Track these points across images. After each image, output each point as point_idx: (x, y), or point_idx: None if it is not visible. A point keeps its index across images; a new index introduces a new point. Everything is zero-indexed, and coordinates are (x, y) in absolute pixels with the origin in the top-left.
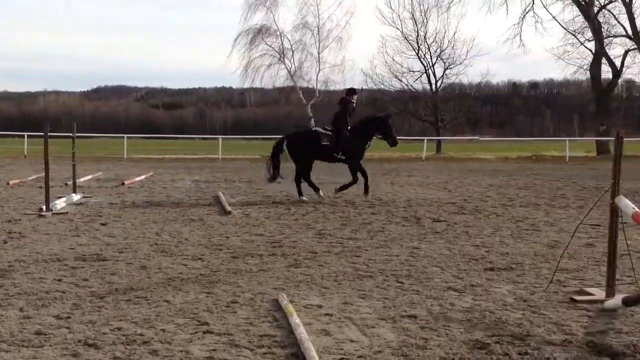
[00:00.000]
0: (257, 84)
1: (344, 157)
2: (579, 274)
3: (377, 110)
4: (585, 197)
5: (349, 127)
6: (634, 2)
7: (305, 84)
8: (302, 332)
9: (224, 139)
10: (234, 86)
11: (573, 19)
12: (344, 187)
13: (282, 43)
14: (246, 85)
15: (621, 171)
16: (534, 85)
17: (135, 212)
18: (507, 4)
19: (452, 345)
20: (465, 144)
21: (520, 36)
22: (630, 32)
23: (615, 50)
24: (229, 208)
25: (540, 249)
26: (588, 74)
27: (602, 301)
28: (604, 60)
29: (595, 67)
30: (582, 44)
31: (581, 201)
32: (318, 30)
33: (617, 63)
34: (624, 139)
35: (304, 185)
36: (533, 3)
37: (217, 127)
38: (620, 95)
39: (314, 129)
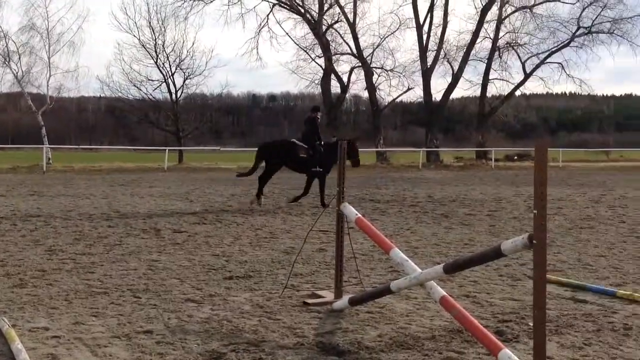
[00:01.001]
0: None
1: (320, 170)
2: (312, 278)
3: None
4: (319, 204)
5: (322, 143)
6: (357, 22)
7: (35, 90)
8: (24, 358)
9: None
10: None
11: (304, 35)
12: (296, 199)
13: (6, 45)
14: None
15: (345, 179)
16: (272, 97)
17: None
18: (243, 19)
19: (189, 358)
20: (207, 154)
21: (257, 50)
22: (354, 50)
23: (342, 66)
24: None
25: (277, 255)
26: (319, 88)
27: (331, 303)
28: (333, 76)
29: (325, 82)
30: (313, 59)
31: (315, 208)
32: (47, 34)
33: (345, 78)
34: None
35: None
36: (267, 19)
37: None
38: (350, 109)
39: (291, 140)
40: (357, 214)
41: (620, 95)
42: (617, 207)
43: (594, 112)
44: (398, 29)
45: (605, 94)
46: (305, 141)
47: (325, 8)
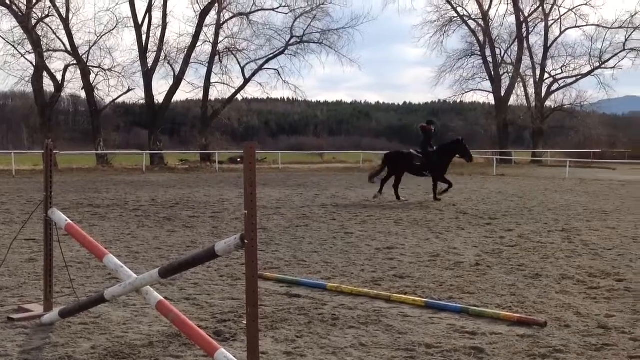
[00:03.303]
0: None
1: (428, 174)
2: (19, 291)
3: None
4: (31, 211)
5: (436, 148)
6: (71, 18)
7: None
8: None
9: None
10: None
11: (12, 29)
12: (443, 192)
13: None
14: None
15: (59, 184)
16: None
17: None
18: None
19: None
20: None
21: None
22: (69, 47)
23: (56, 64)
24: None
25: None
26: (31, 87)
27: (40, 316)
28: (45, 73)
29: (37, 79)
30: (22, 55)
31: (26, 215)
32: None
33: (59, 77)
34: (68, 152)
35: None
36: None
37: None
38: (68, 109)
39: (410, 151)
40: (67, 220)
41: (333, 101)
42: (329, 205)
43: (309, 117)
44: (115, 27)
45: (318, 100)
46: (422, 149)
47: (34, 1)
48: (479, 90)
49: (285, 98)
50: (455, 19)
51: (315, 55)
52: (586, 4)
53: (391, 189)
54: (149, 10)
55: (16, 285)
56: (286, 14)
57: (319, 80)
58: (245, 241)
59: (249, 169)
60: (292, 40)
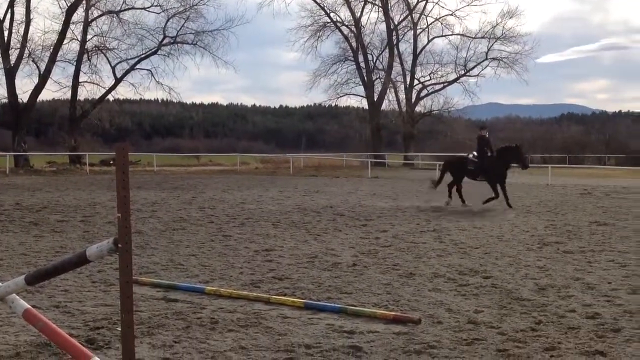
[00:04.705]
0: None
1: (483, 179)
2: None
3: None
4: None
5: (491, 154)
6: None
7: None
8: None
9: None
10: None
11: None
12: (488, 200)
13: None
14: None
15: None
16: None
17: None
18: None
19: None
20: None
21: None
22: None
23: None
24: None
25: None
26: None
27: None
28: None
29: None
30: None
31: None
32: None
33: None
34: None
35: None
36: None
37: None
38: None
39: (466, 156)
40: None
41: (208, 103)
42: (206, 208)
43: (184, 119)
44: None
45: (194, 102)
46: (479, 154)
47: None
48: (353, 94)
49: (159, 99)
50: (328, 24)
51: (189, 57)
52: (452, 14)
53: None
54: (10, 5)
55: None
56: (158, 13)
57: (194, 82)
58: (119, 245)
59: (122, 170)
60: (165, 41)
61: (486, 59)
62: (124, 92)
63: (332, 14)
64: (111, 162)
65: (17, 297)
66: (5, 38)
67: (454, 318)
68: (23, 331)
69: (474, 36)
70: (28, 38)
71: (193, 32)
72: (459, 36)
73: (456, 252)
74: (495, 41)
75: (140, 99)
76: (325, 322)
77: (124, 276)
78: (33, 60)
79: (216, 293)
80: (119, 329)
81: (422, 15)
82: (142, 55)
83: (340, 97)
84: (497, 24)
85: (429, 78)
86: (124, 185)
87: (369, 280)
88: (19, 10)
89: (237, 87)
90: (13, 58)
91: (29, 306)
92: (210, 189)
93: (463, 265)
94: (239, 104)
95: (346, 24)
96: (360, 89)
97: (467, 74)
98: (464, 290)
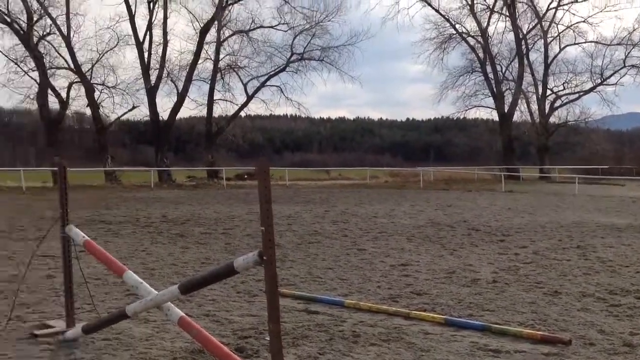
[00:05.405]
0: None
1: None
2: (40, 307)
3: None
4: (44, 227)
5: None
6: (72, 36)
7: None
8: None
9: None
10: None
11: (13, 47)
12: None
13: None
14: None
15: (69, 201)
16: None
17: None
18: None
19: None
20: None
21: None
22: (72, 64)
23: (60, 81)
24: None
25: None
26: (36, 104)
27: (63, 332)
28: (50, 91)
29: (41, 97)
30: (26, 73)
31: (40, 232)
32: None
33: (64, 94)
34: (75, 169)
35: None
36: None
37: None
38: (73, 127)
39: None
40: (84, 237)
41: (336, 118)
42: (340, 222)
43: (313, 134)
44: (117, 45)
45: (321, 117)
46: None
47: (35, 19)
48: (482, 106)
49: (288, 115)
50: (454, 36)
51: (317, 73)
52: (584, 21)
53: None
54: (149, 28)
55: (36, 301)
56: (285, 31)
57: (321, 97)
58: (264, 257)
59: (264, 185)
60: (293, 58)
61: (624, 66)
62: (255, 108)
63: (457, 25)
64: (245, 176)
65: (172, 305)
66: (146, 59)
67: (608, 340)
68: (178, 338)
69: (609, 43)
70: (166, 59)
71: (319, 48)
72: (592, 43)
73: (604, 271)
74: (633, 47)
75: (271, 114)
76: (468, 340)
77: (270, 287)
78: (171, 80)
79: (355, 306)
80: (267, 338)
81: (553, 23)
82: (272, 72)
83: (469, 109)
84: (633, 30)
85: (562, 88)
86: (266, 199)
87: (512, 298)
88: (157, 33)
89: (363, 101)
90: (153, 78)
91: (184, 314)
92: (341, 203)
93: (613, 285)
94: (366, 118)
95: (472, 34)
96: (490, 101)
97: (604, 82)
98: (616, 311)
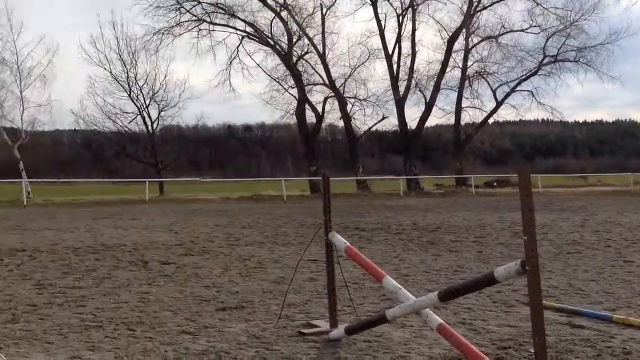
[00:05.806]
0: None
1: None
2: (305, 308)
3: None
4: (304, 233)
5: None
6: (327, 53)
7: (8, 124)
8: None
9: None
10: None
11: (275, 67)
12: None
13: None
14: None
15: (331, 208)
16: (247, 128)
17: None
18: (213, 50)
19: None
20: (187, 185)
21: (230, 81)
22: (327, 80)
23: (316, 96)
24: None
25: (268, 285)
26: (295, 118)
27: (327, 332)
28: (307, 105)
29: (300, 112)
30: (286, 90)
31: (301, 237)
32: (18, 68)
33: (319, 108)
34: (330, 178)
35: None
36: (237, 51)
37: None
38: (326, 138)
39: None
40: (345, 243)
41: (592, 121)
42: (601, 231)
43: (566, 138)
44: (368, 59)
45: (576, 120)
46: None
47: (295, 40)
48: None
49: (539, 119)
50: None
51: (572, 74)
52: None
53: None
54: (398, 40)
55: (302, 302)
56: (537, 34)
57: (575, 99)
58: (527, 267)
59: (526, 194)
60: (545, 60)
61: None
62: (504, 114)
63: None
64: (495, 184)
65: (431, 311)
66: (395, 71)
67: None
68: (435, 344)
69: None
70: (414, 69)
71: (574, 49)
72: None
73: None
74: None
75: (520, 119)
76: None
77: (534, 298)
78: (419, 90)
79: (625, 322)
80: (530, 350)
81: None
82: (522, 77)
83: None
84: None
85: None
86: (529, 207)
87: None
88: (405, 45)
89: (624, 102)
90: (402, 89)
91: (442, 321)
92: (602, 211)
93: None
94: (627, 120)
95: None
96: None
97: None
98: None
